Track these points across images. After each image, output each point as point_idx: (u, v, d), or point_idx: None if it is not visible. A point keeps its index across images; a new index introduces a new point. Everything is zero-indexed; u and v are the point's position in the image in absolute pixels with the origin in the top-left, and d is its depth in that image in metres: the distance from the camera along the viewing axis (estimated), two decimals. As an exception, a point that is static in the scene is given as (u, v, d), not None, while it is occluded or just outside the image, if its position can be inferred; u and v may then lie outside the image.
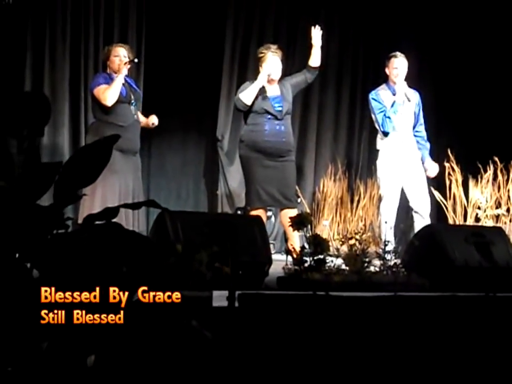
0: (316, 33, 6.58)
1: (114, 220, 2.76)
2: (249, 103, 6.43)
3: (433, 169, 7.06)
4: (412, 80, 7.03)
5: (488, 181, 7.81)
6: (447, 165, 7.78)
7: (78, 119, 7.29)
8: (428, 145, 7.05)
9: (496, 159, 7.79)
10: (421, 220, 6.73)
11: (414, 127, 7.01)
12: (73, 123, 7.29)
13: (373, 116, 6.97)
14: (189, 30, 7.83)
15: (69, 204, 2.88)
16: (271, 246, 6.36)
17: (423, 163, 7.00)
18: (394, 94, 6.89)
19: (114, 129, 5.94)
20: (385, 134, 6.85)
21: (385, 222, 6.30)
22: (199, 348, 2.73)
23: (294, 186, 6.67)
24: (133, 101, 6.42)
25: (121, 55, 6.38)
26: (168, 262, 2.83)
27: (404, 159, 6.85)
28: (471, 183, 7.80)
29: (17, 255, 2.65)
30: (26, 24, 7.09)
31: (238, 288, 3.75)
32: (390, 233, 6.29)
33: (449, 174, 7.79)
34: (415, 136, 7.01)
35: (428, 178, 7.04)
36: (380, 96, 6.91)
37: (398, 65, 6.90)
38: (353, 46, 8.60)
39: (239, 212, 7.46)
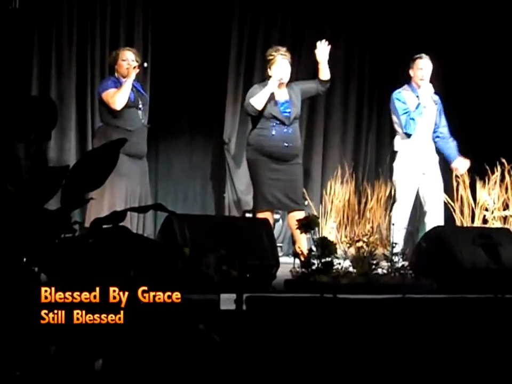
0: (322, 49, 6.45)
1: (121, 224, 2.76)
2: (260, 108, 6.37)
3: (463, 165, 7.04)
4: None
5: (495, 182, 7.79)
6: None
7: (85, 123, 7.31)
8: (455, 143, 6.98)
9: (504, 160, 7.77)
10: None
11: (434, 131, 6.93)
12: (80, 127, 7.31)
13: (393, 116, 6.85)
14: (195, 34, 7.84)
15: (76, 207, 2.88)
16: (279, 248, 6.37)
17: (451, 162, 6.97)
18: (417, 96, 6.78)
19: (121, 133, 5.95)
20: (408, 135, 6.74)
21: (393, 224, 6.26)
22: (206, 351, 2.73)
23: (301, 189, 6.66)
24: (140, 106, 6.42)
25: (129, 59, 6.38)
26: (176, 266, 2.83)
27: (422, 162, 6.76)
28: (479, 184, 7.78)
29: (24, 259, 2.65)
30: (33, 29, 7.12)
31: (245, 291, 3.75)
32: (399, 235, 6.26)
33: (456, 175, 7.77)
34: (440, 137, 6.93)
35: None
36: (404, 97, 6.80)
37: (423, 66, 6.80)
38: (360, 48, 8.59)
39: (246, 215, 7.46)
